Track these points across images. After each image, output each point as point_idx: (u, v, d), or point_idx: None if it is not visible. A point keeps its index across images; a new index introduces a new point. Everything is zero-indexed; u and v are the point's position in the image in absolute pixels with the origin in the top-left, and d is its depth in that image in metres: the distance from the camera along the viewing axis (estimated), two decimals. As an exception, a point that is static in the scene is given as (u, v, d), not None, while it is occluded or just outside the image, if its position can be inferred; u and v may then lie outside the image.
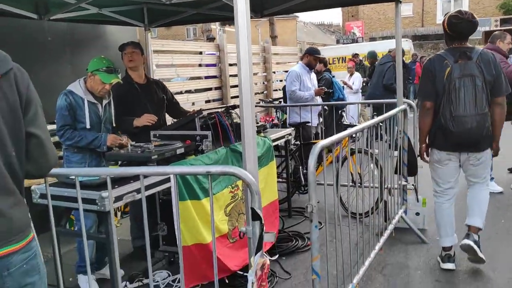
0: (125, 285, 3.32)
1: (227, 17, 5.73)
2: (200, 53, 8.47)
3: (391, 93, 5.70)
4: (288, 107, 5.80)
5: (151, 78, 4.05)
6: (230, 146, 3.49)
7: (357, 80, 9.52)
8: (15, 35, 4.56)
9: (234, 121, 3.79)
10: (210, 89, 8.27)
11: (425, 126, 3.48)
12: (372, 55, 9.65)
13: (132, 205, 3.99)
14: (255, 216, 1.71)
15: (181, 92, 7.65)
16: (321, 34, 56.19)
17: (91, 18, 5.11)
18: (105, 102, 3.46)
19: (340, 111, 5.19)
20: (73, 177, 2.04)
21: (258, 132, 4.14)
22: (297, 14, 49.56)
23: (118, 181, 2.52)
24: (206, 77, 8.25)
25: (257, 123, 4.58)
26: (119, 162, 2.98)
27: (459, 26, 3.25)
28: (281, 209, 4.56)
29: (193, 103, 7.60)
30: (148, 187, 2.60)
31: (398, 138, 4.12)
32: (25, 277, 1.51)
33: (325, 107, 5.80)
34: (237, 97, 8.48)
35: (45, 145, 1.62)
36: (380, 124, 3.92)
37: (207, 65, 8.18)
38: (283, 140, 4.54)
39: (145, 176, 2.51)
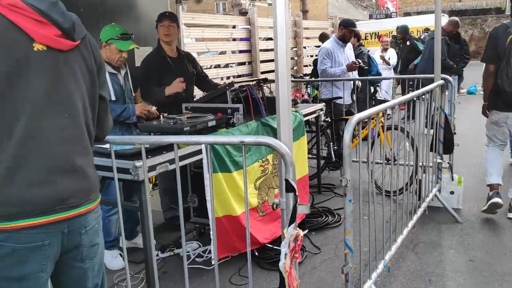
0: (157, 254, 3.39)
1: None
2: (234, 27, 8.37)
3: (444, 69, 5.44)
4: (320, 83, 5.65)
5: (182, 51, 4.01)
6: (261, 120, 3.45)
7: (393, 56, 9.21)
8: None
9: (266, 95, 3.75)
10: (243, 63, 8.21)
11: (488, 86, 3.91)
12: (403, 29, 9.12)
13: (161, 178, 4.02)
14: (289, 188, 1.68)
15: (210, 67, 7.62)
16: (353, 9, 54.68)
17: (121, -11, 5.11)
18: (123, 71, 3.39)
19: (374, 86, 5.01)
20: (107, 146, 2.05)
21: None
22: (328, -12, 48.30)
23: (151, 151, 2.53)
24: (241, 51, 8.18)
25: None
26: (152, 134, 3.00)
27: None
28: (311, 185, 4.53)
29: (221, 78, 7.58)
30: (180, 158, 2.59)
31: (435, 114, 3.98)
32: (95, 236, 1.56)
33: (358, 83, 5.61)
34: (266, 72, 8.41)
35: (108, 109, 1.70)
36: (416, 99, 3.81)
37: (242, 39, 8.08)
38: (314, 115, 4.47)
39: (179, 147, 2.52)
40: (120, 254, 3.36)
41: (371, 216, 2.71)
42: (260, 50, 8.31)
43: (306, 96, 7.87)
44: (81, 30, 1.49)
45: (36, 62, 1.36)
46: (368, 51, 7.02)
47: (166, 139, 2.05)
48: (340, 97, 5.21)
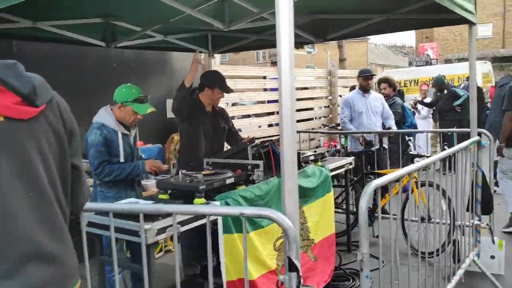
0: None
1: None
2: (264, 77, 8.49)
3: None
4: (349, 134, 5.56)
5: (216, 107, 4.05)
6: (284, 176, 3.34)
7: (425, 107, 8.99)
8: (82, 62, 4.78)
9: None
10: (272, 113, 8.26)
11: (506, 131, 4.66)
12: (438, 82, 8.65)
13: (183, 233, 3.94)
14: (292, 267, 1.54)
15: (244, 117, 7.68)
16: (393, 56, 54.74)
17: (156, 45, 5.27)
18: (133, 131, 3.34)
19: (407, 140, 4.83)
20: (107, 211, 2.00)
21: (316, 161, 3.96)
22: (367, 36, 48.74)
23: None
24: (269, 102, 8.25)
25: (315, 151, 4.41)
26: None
27: None
28: (340, 243, 4.31)
29: (259, 126, 7.62)
30: (189, 221, 2.51)
31: (471, 172, 3.74)
32: None
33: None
34: (299, 121, 8.38)
35: (83, 178, 1.52)
36: (451, 155, 3.61)
37: (272, 90, 8.16)
38: (343, 169, 4.32)
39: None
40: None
41: (403, 281, 2.49)
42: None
43: (339, 146, 7.71)
44: (45, 93, 1.32)
45: None
46: (404, 101, 6.84)
47: (165, 208, 1.97)
48: (371, 150, 5.04)
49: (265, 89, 8.27)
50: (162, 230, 2.38)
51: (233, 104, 7.62)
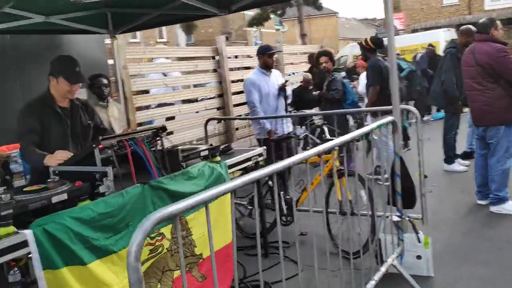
0: None
1: (192, 17, 5.01)
2: (213, 57, 7.67)
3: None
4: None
5: (76, 101, 3.29)
6: (151, 182, 2.67)
7: (362, 80, 8.40)
8: None
9: (166, 147, 3.00)
10: (213, 97, 7.61)
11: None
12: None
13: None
14: None
15: (172, 104, 6.99)
16: (365, 29, 54.03)
17: (39, 28, 4.51)
18: None
19: (321, 124, 4.15)
20: None
21: (213, 156, 3.31)
22: (336, 10, 47.67)
23: None
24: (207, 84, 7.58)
25: (211, 144, 3.75)
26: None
27: None
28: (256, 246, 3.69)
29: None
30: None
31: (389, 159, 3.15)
32: None
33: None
34: (240, 104, 7.70)
35: None
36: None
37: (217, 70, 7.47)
38: (250, 163, 3.67)
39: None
40: None
41: None
42: (232, 81, 7.64)
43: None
44: None
45: None
46: (344, 77, 6.15)
47: None
48: (293, 136, 4.41)
49: (215, 70, 7.55)
50: None
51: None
